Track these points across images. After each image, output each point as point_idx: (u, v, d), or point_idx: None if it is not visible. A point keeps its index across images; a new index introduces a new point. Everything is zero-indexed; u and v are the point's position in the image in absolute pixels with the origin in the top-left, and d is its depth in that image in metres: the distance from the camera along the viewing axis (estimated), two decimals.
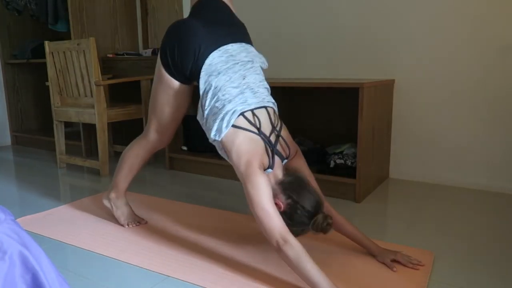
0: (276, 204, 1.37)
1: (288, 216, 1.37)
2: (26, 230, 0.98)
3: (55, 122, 3.02)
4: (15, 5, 3.78)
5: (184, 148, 3.01)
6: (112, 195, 1.91)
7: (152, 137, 1.81)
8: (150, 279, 1.43)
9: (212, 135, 1.49)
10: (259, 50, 3.05)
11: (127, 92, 3.52)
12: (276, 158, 1.47)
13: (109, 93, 3.37)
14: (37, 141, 3.88)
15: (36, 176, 2.86)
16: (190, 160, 2.88)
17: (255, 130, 1.45)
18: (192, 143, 2.95)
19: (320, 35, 2.78)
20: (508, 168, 2.31)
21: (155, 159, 3.22)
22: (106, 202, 1.94)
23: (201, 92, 1.56)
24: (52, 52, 2.93)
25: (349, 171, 2.31)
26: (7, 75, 4.00)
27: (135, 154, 1.85)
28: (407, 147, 2.59)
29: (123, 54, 3.40)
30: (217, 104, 1.49)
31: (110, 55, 3.41)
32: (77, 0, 3.22)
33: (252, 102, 1.49)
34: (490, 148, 2.34)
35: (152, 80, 3.10)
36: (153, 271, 1.49)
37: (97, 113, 2.74)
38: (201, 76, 1.55)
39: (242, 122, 1.45)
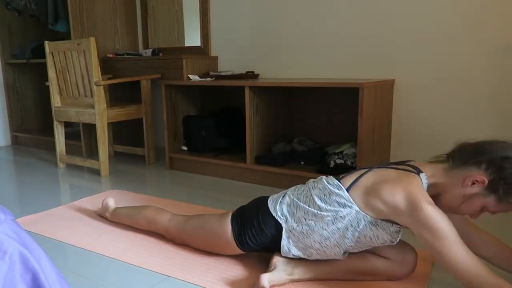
0: (474, 183, 1.17)
1: (498, 182, 1.14)
2: (26, 230, 0.98)
3: (55, 122, 3.02)
4: (15, 5, 3.78)
5: (184, 148, 3.01)
6: (107, 214, 1.96)
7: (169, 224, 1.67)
8: (150, 279, 1.43)
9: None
10: (259, 50, 3.05)
11: (127, 92, 3.52)
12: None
13: (109, 93, 3.37)
14: (37, 141, 3.88)
15: (36, 176, 2.86)
16: (190, 160, 2.88)
17: None
18: (192, 143, 2.95)
19: (320, 35, 2.78)
20: None
21: (155, 159, 3.21)
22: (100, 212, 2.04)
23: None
24: (52, 52, 2.93)
25: (349, 171, 2.30)
26: (7, 75, 4.00)
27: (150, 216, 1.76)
28: (407, 147, 2.59)
29: (123, 54, 3.40)
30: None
31: (110, 55, 3.42)
32: (77, 0, 3.22)
33: None
34: None
35: (151, 80, 3.10)
36: (153, 271, 1.49)
37: (97, 113, 2.74)
38: None
39: None
